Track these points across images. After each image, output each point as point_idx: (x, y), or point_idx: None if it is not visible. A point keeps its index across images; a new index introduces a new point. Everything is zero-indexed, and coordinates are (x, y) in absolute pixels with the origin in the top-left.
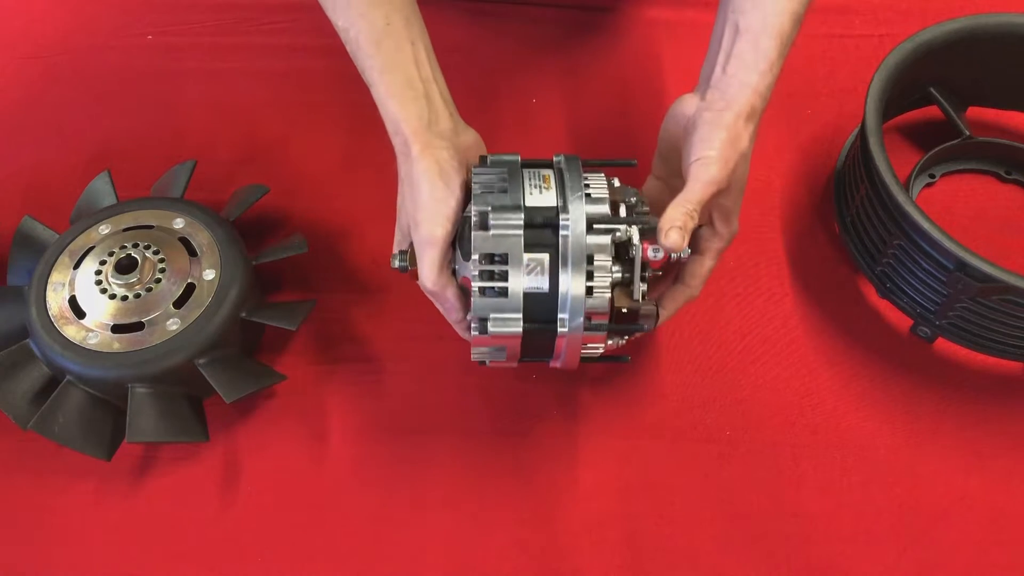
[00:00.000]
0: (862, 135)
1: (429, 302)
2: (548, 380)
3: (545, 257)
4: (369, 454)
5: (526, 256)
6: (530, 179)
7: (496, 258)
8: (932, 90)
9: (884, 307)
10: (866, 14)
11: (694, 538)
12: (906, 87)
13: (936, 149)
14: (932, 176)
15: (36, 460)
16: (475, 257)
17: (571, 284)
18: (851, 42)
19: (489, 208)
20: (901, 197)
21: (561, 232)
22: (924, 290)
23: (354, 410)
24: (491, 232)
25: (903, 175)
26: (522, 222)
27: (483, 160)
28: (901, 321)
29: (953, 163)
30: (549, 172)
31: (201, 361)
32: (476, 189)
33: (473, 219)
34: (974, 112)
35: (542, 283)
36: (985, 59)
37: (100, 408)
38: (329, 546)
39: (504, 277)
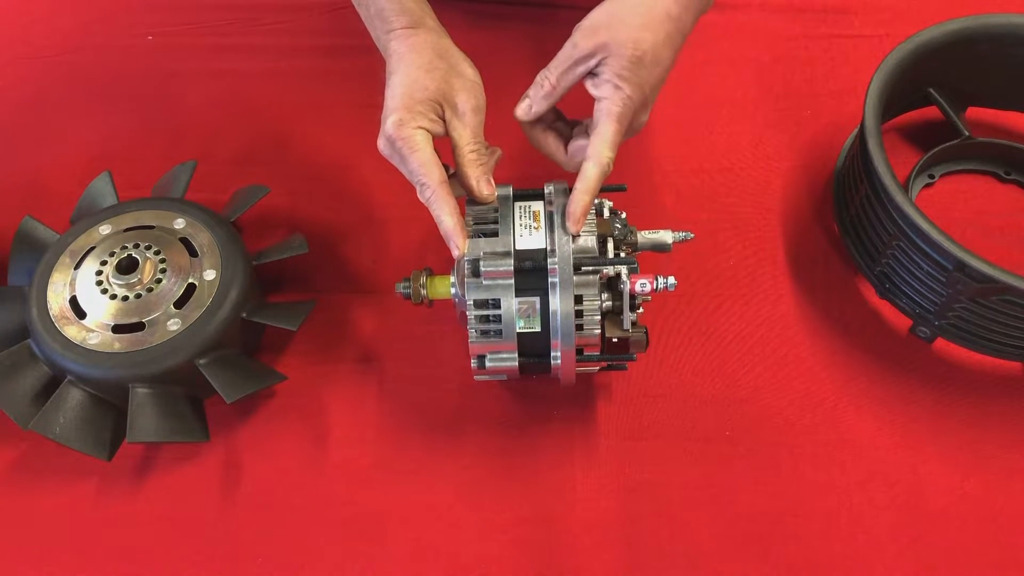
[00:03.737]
0: (861, 135)
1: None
2: (548, 380)
3: (536, 300)
4: (369, 454)
5: (516, 301)
6: (520, 216)
7: (490, 303)
8: (931, 90)
9: (883, 307)
10: (866, 14)
11: (694, 538)
12: (906, 87)
13: (935, 149)
14: (931, 176)
15: (36, 460)
16: (470, 302)
17: (561, 323)
18: (851, 42)
19: (481, 255)
20: (900, 198)
21: (550, 278)
22: (923, 290)
23: (354, 410)
24: (483, 280)
25: (903, 175)
26: (512, 268)
27: None
28: (900, 321)
29: (952, 163)
30: (540, 208)
31: (202, 361)
32: (469, 222)
33: (465, 267)
34: (973, 112)
35: (534, 324)
36: (985, 59)
37: (101, 408)
38: (329, 546)
39: (498, 320)
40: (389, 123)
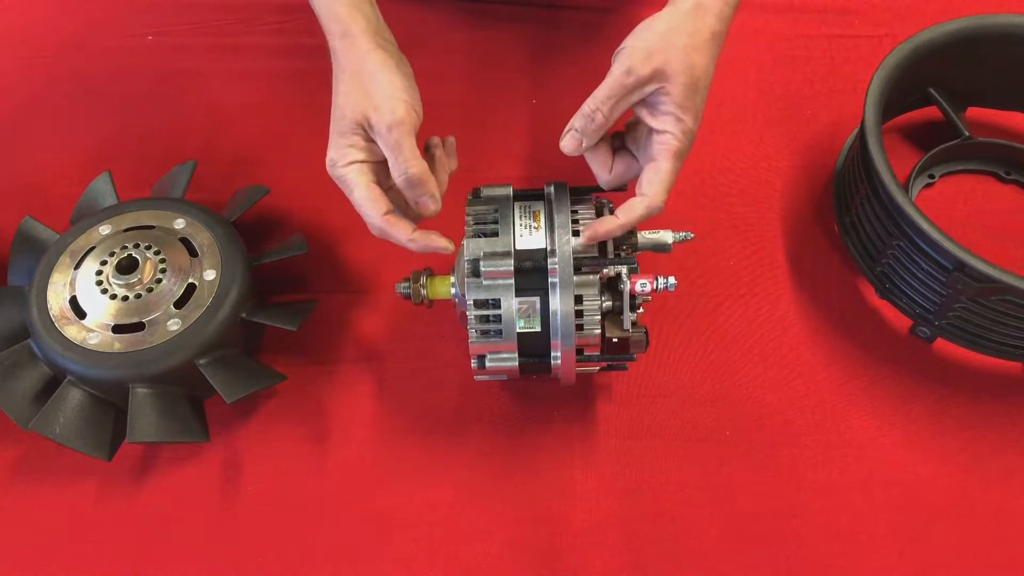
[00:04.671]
0: (861, 135)
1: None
2: (548, 380)
3: (536, 300)
4: (369, 454)
5: (516, 301)
6: (521, 216)
7: (490, 303)
8: (932, 90)
9: (883, 307)
10: (866, 14)
11: (694, 538)
12: (906, 87)
13: (935, 149)
14: (932, 176)
15: (36, 460)
16: (470, 302)
17: (561, 323)
18: (851, 42)
19: (481, 255)
20: (900, 198)
21: (550, 278)
22: (923, 290)
23: (354, 410)
24: (483, 280)
25: (903, 175)
26: (512, 268)
27: (476, 192)
28: (900, 321)
29: (952, 163)
30: (540, 208)
31: (202, 361)
32: (469, 221)
33: (465, 267)
34: (973, 112)
35: (535, 324)
36: (985, 59)
37: (101, 408)
38: (329, 546)
39: (498, 320)
40: (327, 164)
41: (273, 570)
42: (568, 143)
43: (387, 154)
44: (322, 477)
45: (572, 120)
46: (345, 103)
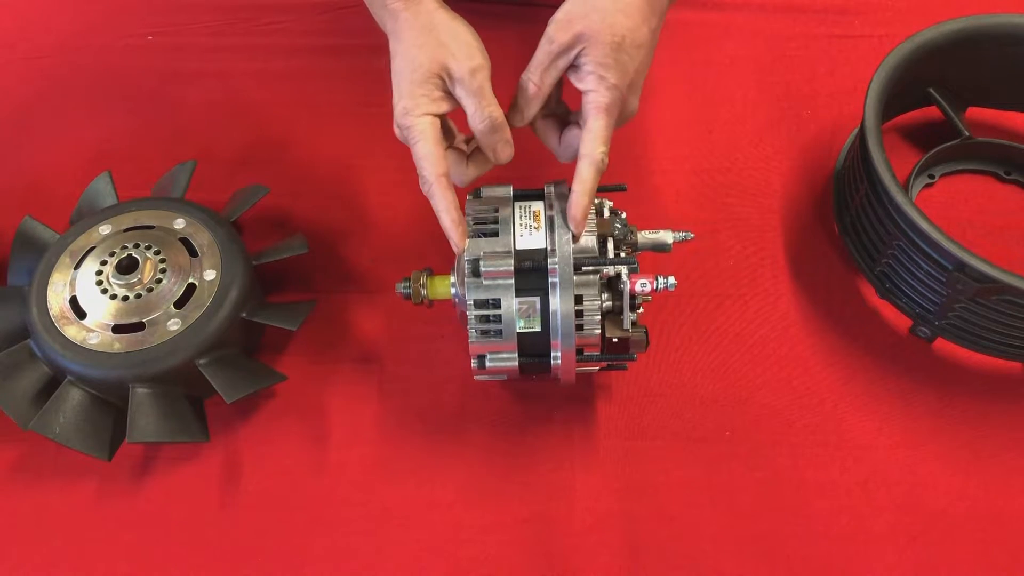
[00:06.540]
0: (861, 135)
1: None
2: (548, 380)
3: (536, 300)
4: (369, 454)
5: (516, 301)
6: (521, 216)
7: (490, 303)
8: (932, 90)
9: (883, 307)
10: (866, 14)
11: (694, 538)
12: (906, 87)
13: (935, 149)
14: (931, 176)
15: (36, 460)
16: (470, 302)
17: (561, 323)
18: (851, 42)
19: (481, 255)
20: (900, 197)
21: (551, 278)
22: (923, 290)
23: (354, 410)
24: (483, 280)
25: (903, 175)
26: (512, 268)
27: (476, 192)
28: (900, 321)
29: (952, 163)
30: (540, 207)
31: (202, 361)
32: (469, 222)
33: (466, 267)
34: (973, 112)
35: (534, 324)
36: (985, 59)
37: (100, 408)
38: (329, 546)
39: (498, 320)
40: (397, 112)
41: (273, 570)
42: (512, 119)
43: (468, 101)
44: (322, 477)
45: (514, 98)
46: (420, 54)
